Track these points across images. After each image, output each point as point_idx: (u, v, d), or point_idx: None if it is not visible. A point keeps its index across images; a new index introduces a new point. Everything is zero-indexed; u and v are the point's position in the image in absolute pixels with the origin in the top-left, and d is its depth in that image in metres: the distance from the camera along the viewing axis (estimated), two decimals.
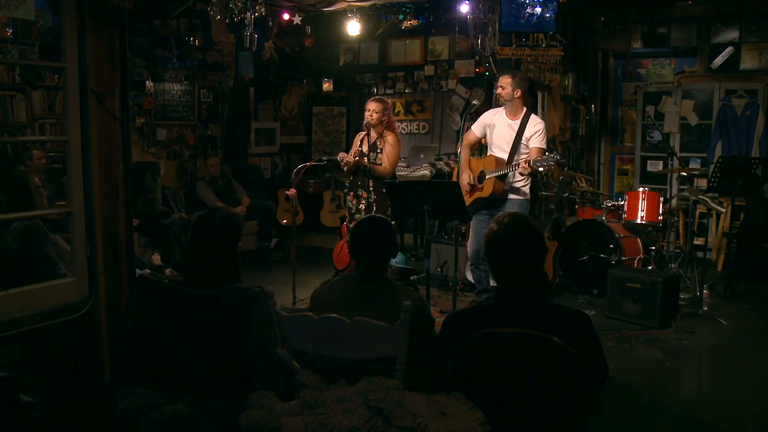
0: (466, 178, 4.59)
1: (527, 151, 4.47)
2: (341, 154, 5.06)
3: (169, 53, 7.04)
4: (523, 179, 4.51)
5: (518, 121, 4.52)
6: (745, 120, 7.06)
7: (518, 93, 4.53)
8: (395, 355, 2.24)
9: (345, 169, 5.02)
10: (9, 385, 2.35)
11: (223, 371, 2.34)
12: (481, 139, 4.81)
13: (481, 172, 4.55)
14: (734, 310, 5.20)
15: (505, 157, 4.50)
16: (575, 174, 6.38)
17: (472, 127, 4.79)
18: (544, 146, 4.48)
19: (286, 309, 4.89)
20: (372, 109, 4.84)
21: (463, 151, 4.75)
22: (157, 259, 6.01)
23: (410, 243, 7.15)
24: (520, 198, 4.55)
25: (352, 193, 5.07)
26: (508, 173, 4.44)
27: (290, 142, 8.79)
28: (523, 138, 4.48)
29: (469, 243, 4.76)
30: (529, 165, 4.23)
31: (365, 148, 4.87)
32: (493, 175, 4.43)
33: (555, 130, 6.84)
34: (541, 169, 4.27)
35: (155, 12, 6.04)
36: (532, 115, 4.56)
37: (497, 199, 4.51)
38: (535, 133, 4.46)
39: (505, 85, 4.53)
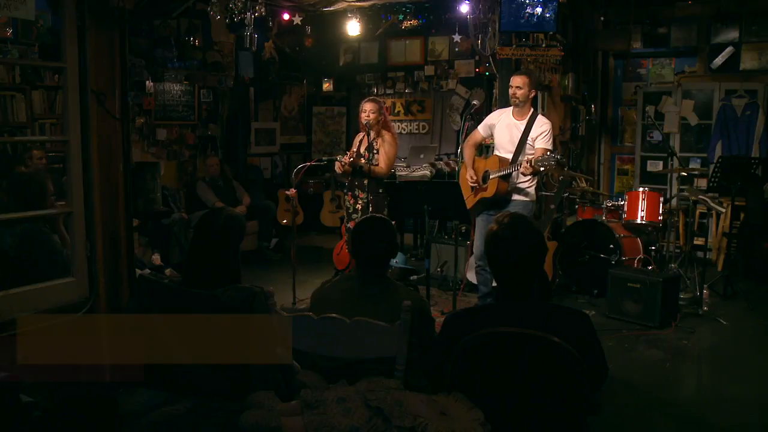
0: (469, 176, 4.57)
1: (533, 151, 4.42)
2: (339, 157, 5.06)
3: (169, 53, 7.04)
4: (528, 180, 4.46)
5: (525, 122, 4.47)
6: (745, 120, 7.06)
7: (533, 93, 4.49)
8: (395, 355, 2.24)
9: (340, 172, 5.03)
10: (9, 385, 2.35)
11: (223, 371, 2.34)
12: (485, 138, 4.79)
13: (486, 172, 4.53)
14: (734, 310, 5.20)
15: (510, 157, 4.47)
16: (575, 174, 6.38)
17: (478, 126, 4.76)
18: (550, 147, 4.44)
19: (286, 309, 4.91)
20: (368, 110, 4.84)
21: (466, 150, 4.74)
22: (157, 259, 6.01)
23: (410, 243, 7.15)
24: (525, 199, 4.50)
25: (350, 193, 5.08)
26: (511, 173, 4.41)
27: (290, 142, 8.79)
28: (529, 138, 4.44)
29: (475, 245, 4.73)
30: (530, 164, 4.20)
31: (362, 150, 4.87)
32: (497, 175, 4.40)
33: (555, 130, 6.81)
34: (542, 168, 4.24)
35: (155, 12, 6.04)
36: (539, 116, 4.51)
37: (501, 200, 4.47)
38: (542, 133, 4.42)
39: (522, 85, 4.43)
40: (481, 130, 4.72)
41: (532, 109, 4.53)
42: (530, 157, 4.31)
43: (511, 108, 4.56)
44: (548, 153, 4.29)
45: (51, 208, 3.93)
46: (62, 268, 3.57)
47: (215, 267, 2.47)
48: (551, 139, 4.48)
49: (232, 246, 2.52)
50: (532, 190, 4.53)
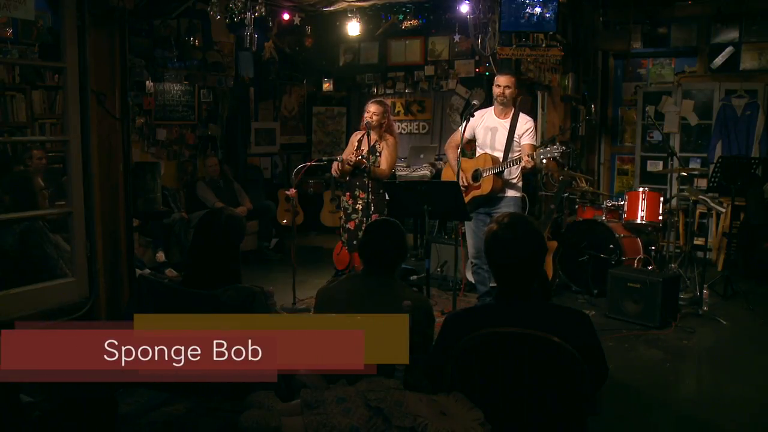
0: (461, 177, 4.58)
1: (519, 149, 4.51)
2: (340, 157, 5.05)
3: (169, 53, 7.04)
4: (517, 175, 4.54)
5: (509, 120, 4.56)
6: (745, 120, 7.06)
7: (516, 92, 4.59)
8: None
9: (336, 175, 5.04)
10: (9, 385, 2.35)
11: None
12: (468, 140, 4.80)
13: (476, 170, 4.55)
14: (734, 310, 5.20)
15: (499, 155, 4.53)
16: (575, 174, 6.38)
17: (460, 128, 4.80)
18: (535, 143, 4.56)
19: (286, 309, 4.92)
20: (372, 112, 4.85)
21: (450, 152, 4.76)
22: (161, 256, 6.03)
23: (410, 243, 7.15)
24: (517, 195, 4.58)
25: (348, 193, 5.08)
26: (505, 170, 4.46)
27: (290, 142, 8.79)
28: (516, 136, 4.52)
29: (468, 244, 4.75)
30: (532, 158, 4.27)
31: (364, 150, 4.87)
32: (492, 172, 4.44)
33: (555, 130, 6.84)
34: (545, 160, 4.30)
35: (155, 12, 6.04)
36: (521, 114, 4.61)
37: (495, 197, 4.52)
38: (527, 130, 4.52)
39: (510, 85, 4.53)
40: (462, 130, 4.74)
41: (513, 108, 4.60)
42: (521, 154, 4.40)
43: (492, 108, 4.64)
44: (551, 146, 4.36)
45: (44, 206, 3.93)
46: (57, 267, 3.57)
47: (215, 267, 2.47)
48: (536, 135, 4.60)
49: (232, 246, 2.52)
50: (520, 184, 4.61)
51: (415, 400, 1.92)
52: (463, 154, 4.82)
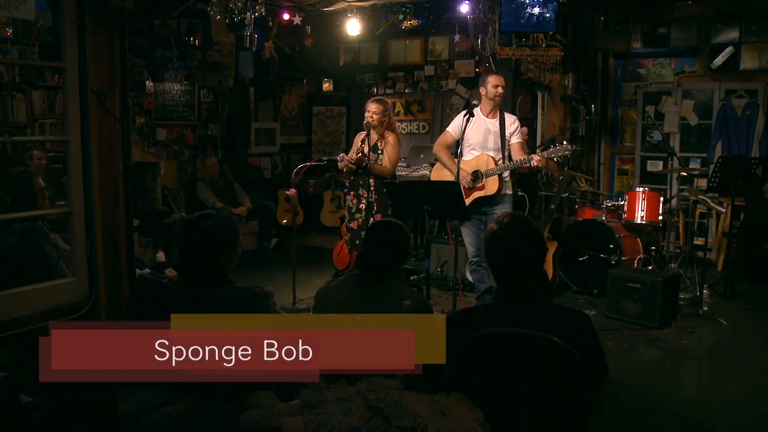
0: (462, 179, 4.58)
1: (508, 148, 4.58)
2: (341, 155, 5.05)
3: (169, 53, 7.04)
4: (509, 174, 4.61)
5: (497, 120, 4.60)
6: (745, 120, 7.06)
7: None
8: None
9: (345, 169, 5.03)
10: (9, 385, 2.35)
11: None
12: (456, 140, 4.80)
13: (476, 171, 4.55)
14: (734, 310, 5.20)
15: (495, 155, 4.56)
16: (575, 174, 6.38)
17: (448, 128, 4.80)
18: (522, 140, 4.66)
19: (286, 309, 4.92)
20: (372, 110, 4.84)
21: (442, 152, 4.75)
22: (161, 256, 6.03)
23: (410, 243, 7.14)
24: (511, 193, 4.66)
25: (352, 193, 5.08)
26: (506, 170, 4.49)
27: (290, 142, 8.79)
28: (507, 134, 4.57)
29: (466, 242, 4.75)
30: (543, 157, 4.34)
31: (366, 149, 4.86)
32: (497, 172, 4.48)
33: (555, 130, 6.84)
34: (555, 159, 4.33)
35: (155, 12, 6.04)
36: (506, 113, 4.67)
37: (495, 196, 4.55)
38: (516, 129, 4.60)
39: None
40: (452, 131, 4.75)
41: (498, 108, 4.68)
42: (510, 152, 4.53)
43: (478, 108, 4.65)
44: (563, 143, 4.43)
45: (44, 206, 3.94)
46: (57, 267, 3.57)
47: (207, 270, 2.46)
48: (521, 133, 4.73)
49: (219, 252, 2.49)
50: (511, 183, 4.71)
51: (415, 400, 1.92)
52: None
